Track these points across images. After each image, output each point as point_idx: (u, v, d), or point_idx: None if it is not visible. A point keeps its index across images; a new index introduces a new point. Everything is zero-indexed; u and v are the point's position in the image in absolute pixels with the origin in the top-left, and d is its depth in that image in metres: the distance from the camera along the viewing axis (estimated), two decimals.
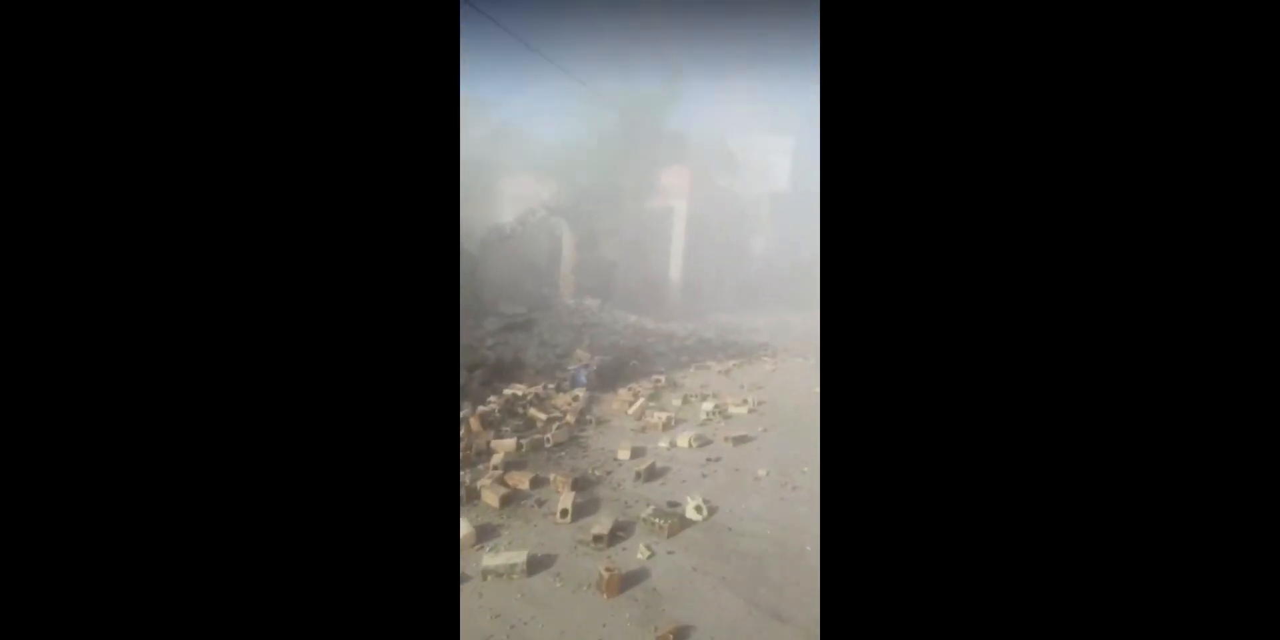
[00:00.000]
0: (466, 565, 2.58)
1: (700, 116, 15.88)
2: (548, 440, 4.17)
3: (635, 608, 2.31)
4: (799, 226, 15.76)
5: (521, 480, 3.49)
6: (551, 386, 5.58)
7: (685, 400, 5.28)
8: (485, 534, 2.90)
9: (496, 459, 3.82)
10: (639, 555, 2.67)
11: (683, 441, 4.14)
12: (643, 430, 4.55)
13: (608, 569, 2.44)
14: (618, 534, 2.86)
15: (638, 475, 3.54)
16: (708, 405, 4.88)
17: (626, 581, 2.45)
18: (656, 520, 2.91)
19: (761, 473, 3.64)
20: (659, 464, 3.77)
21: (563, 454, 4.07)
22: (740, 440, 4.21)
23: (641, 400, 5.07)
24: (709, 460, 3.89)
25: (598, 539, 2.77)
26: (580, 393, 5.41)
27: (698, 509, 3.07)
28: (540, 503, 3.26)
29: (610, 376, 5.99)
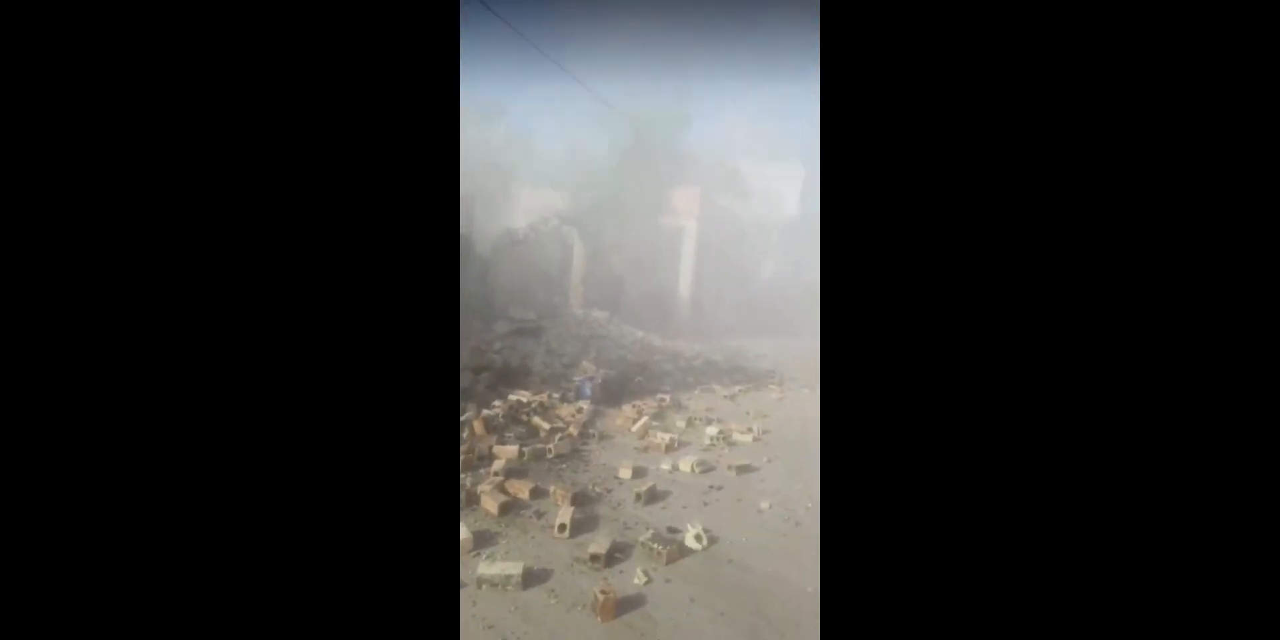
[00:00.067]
0: (462, 571, 2.53)
1: (712, 138, 16.19)
2: (550, 450, 4.14)
3: (631, 635, 2.26)
4: (808, 252, 15.85)
5: (522, 489, 3.44)
6: (556, 396, 5.55)
7: (690, 423, 5.23)
8: (482, 541, 2.85)
9: (498, 465, 3.78)
10: (635, 580, 2.62)
11: (685, 466, 4.09)
12: (645, 450, 4.51)
13: (604, 591, 2.39)
14: (615, 555, 2.81)
15: (638, 497, 3.50)
16: (712, 430, 4.84)
17: (622, 606, 2.40)
18: (655, 546, 2.86)
19: (765, 505, 3.59)
20: (660, 487, 3.72)
21: (564, 466, 4.03)
22: (744, 469, 4.16)
23: (645, 419, 5.03)
24: (711, 487, 3.83)
25: (595, 558, 2.72)
26: (584, 405, 5.38)
27: (698, 538, 3.02)
28: (539, 514, 3.21)
29: (615, 391, 5.96)
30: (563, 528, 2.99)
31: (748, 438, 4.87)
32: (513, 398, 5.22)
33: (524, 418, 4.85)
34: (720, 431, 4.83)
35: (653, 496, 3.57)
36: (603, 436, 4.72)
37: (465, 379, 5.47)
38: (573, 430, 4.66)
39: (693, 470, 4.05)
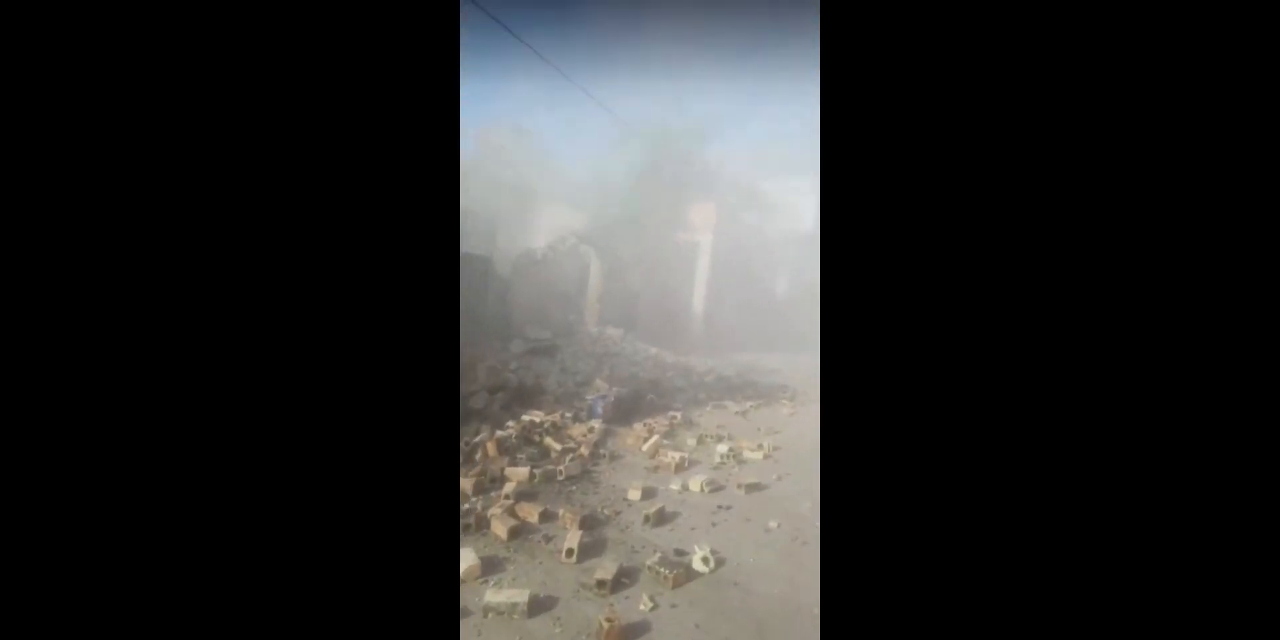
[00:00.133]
0: (469, 599, 2.59)
1: (730, 153, 16.28)
2: (561, 472, 4.19)
3: None
4: None
5: (531, 513, 3.50)
6: (569, 415, 5.62)
7: (700, 440, 5.23)
8: (490, 567, 2.91)
9: (509, 488, 3.85)
10: (641, 606, 2.63)
11: (694, 485, 4.09)
12: (655, 469, 4.52)
13: (608, 619, 2.41)
14: (622, 580, 2.83)
15: (646, 519, 3.51)
16: (722, 448, 4.82)
17: (626, 634, 2.41)
18: (662, 569, 2.87)
19: (773, 525, 3.56)
20: (669, 508, 3.73)
21: (574, 488, 4.07)
22: (753, 488, 4.14)
23: (656, 437, 5.05)
24: (720, 507, 3.82)
25: (601, 584, 2.75)
26: (596, 424, 5.43)
27: (705, 560, 3.01)
28: (548, 538, 3.26)
29: (627, 409, 6.00)
30: (570, 553, 3.03)
31: (758, 455, 4.84)
32: (526, 418, 5.30)
33: (536, 438, 4.92)
34: (731, 449, 4.81)
35: (661, 518, 3.59)
36: (613, 456, 4.76)
37: (480, 400, 5.58)
38: (584, 450, 4.71)
39: (702, 490, 4.05)
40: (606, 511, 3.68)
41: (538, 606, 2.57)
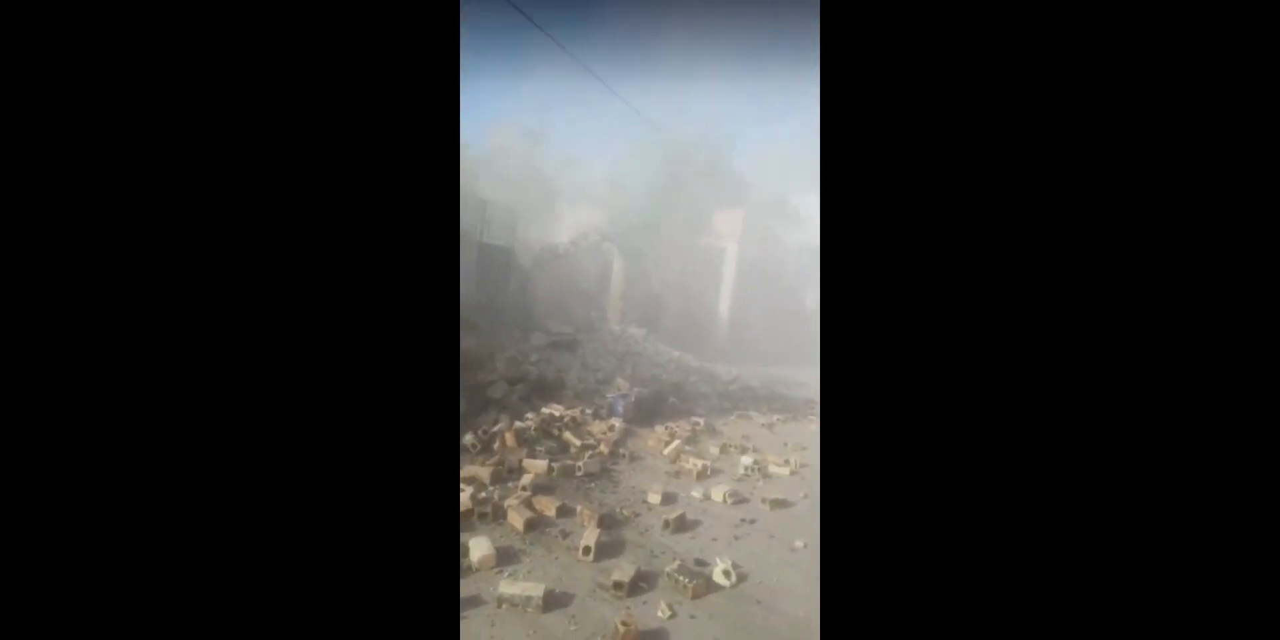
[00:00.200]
0: (484, 588, 2.49)
1: (763, 160, 16.09)
2: (579, 468, 4.09)
3: None
4: None
5: (548, 506, 3.40)
6: (589, 412, 5.52)
7: (723, 450, 5.07)
8: (506, 558, 2.81)
9: (526, 480, 3.76)
10: (659, 613, 2.50)
11: (717, 495, 3.94)
12: (676, 475, 4.39)
13: (625, 623, 2.28)
14: (639, 585, 2.70)
15: (666, 524, 3.38)
16: (747, 459, 4.66)
17: None
18: (681, 578, 2.73)
19: (799, 544, 3.39)
20: (690, 515, 3.59)
21: (592, 485, 3.96)
22: (779, 504, 3.96)
23: (678, 443, 4.91)
24: (743, 520, 3.66)
25: (618, 586, 2.62)
26: (616, 423, 5.32)
27: (726, 573, 2.86)
28: (565, 534, 3.15)
29: (648, 411, 5.88)
30: (587, 550, 2.92)
31: (784, 470, 4.66)
32: (545, 411, 5.23)
33: (555, 432, 4.84)
34: (756, 462, 4.65)
35: (682, 525, 3.44)
36: (633, 457, 4.64)
37: (499, 389, 5.53)
38: (603, 448, 4.60)
39: (725, 500, 3.89)
40: (625, 512, 3.56)
41: (553, 602, 2.46)
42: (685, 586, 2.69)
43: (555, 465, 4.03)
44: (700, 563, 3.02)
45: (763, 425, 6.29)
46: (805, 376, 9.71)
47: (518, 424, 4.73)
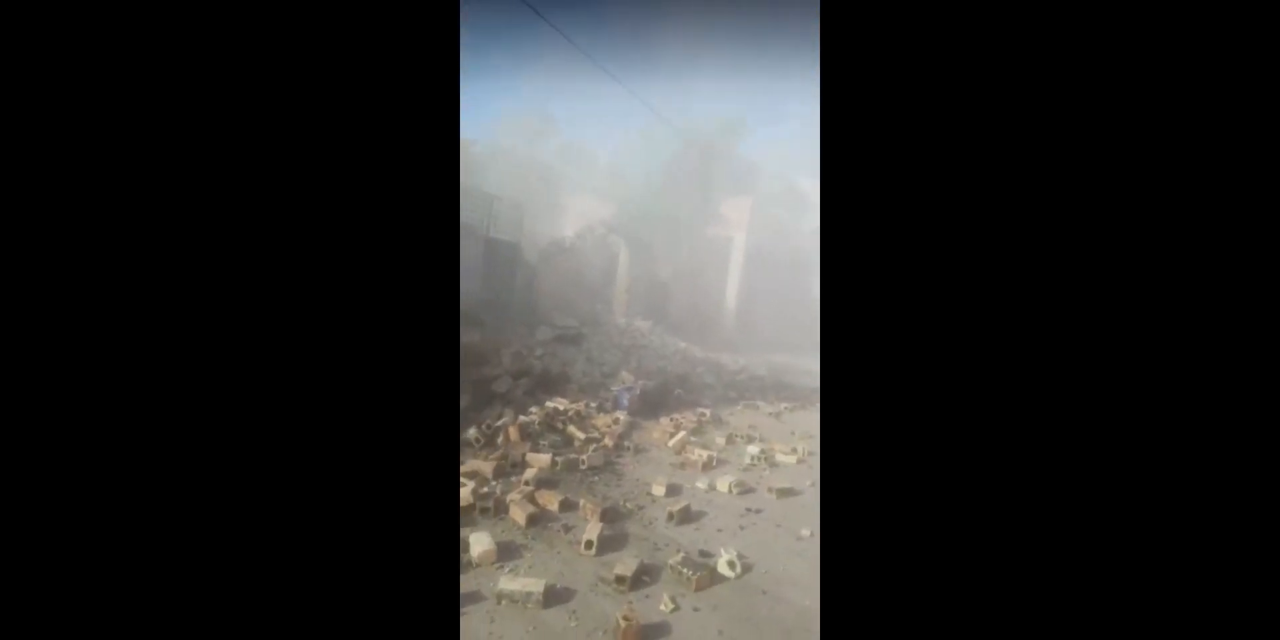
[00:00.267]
0: (484, 584, 2.47)
1: (772, 150, 15.81)
2: (583, 462, 4.06)
3: None
4: None
5: (551, 500, 3.37)
6: (594, 405, 5.49)
7: (730, 439, 5.02)
8: (507, 553, 2.79)
9: (529, 474, 3.74)
10: (662, 606, 2.46)
11: (722, 485, 3.89)
12: (681, 466, 4.34)
13: (626, 617, 2.25)
14: (642, 578, 2.67)
15: (670, 516, 3.34)
16: (753, 449, 4.60)
17: (645, 635, 2.25)
18: (685, 570, 2.70)
19: (806, 533, 3.33)
20: (695, 507, 3.55)
21: (596, 479, 3.94)
22: (785, 493, 3.91)
23: (683, 434, 4.86)
24: (749, 510, 3.61)
25: (620, 580, 2.59)
26: (621, 416, 5.29)
27: (731, 564, 2.82)
28: (567, 528, 3.12)
29: (653, 403, 5.84)
30: (589, 545, 2.89)
31: (791, 459, 4.59)
32: (550, 405, 5.21)
33: (559, 426, 4.81)
34: (762, 451, 4.59)
35: (686, 516, 3.41)
36: (638, 449, 4.60)
37: (504, 384, 5.52)
38: (608, 441, 4.57)
39: (730, 490, 3.84)
40: (629, 505, 3.53)
41: (553, 597, 2.44)
42: (689, 579, 2.65)
43: (559, 459, 4.00)
44: (705, 554, 2.98)
45: (770, 414, 6.22)
46: (813, 364, 9.60)
47: (522, 418, 4.71)
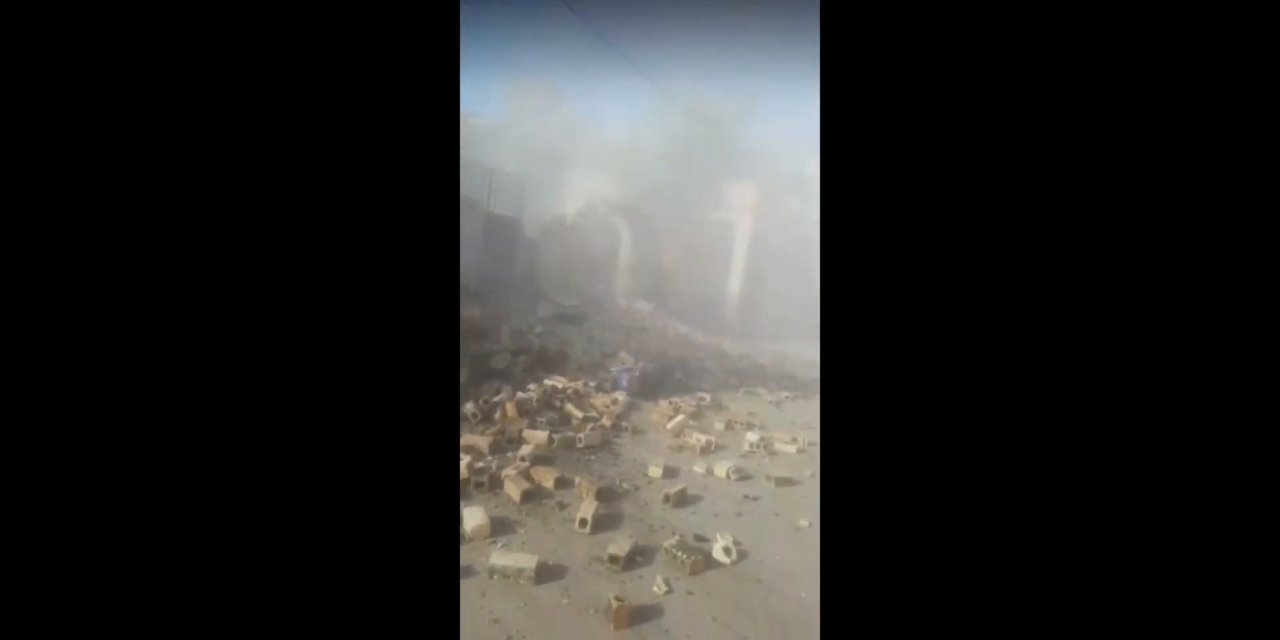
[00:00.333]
0: (476, 559, 2.43)
1: (781, 135, 15.45)
2: (580, 440, 4.01)
3: None
4: None
5: (547, 477, 3.32)
6: (592, 385, 5.43)
7: (729, 426, 4.97)
8: (500, 528, 2.74)
9: (525, 450, 3.68)
10: (655, 588, 2.42)
11: (720, 471, 3.85)
12: (679, 449, 4.30)
13: (618, 598, 2.21)
14: (636, 559, 2.63)
15: (666, 498, 3.30)
16: (753, 436, 4.55)
17: (636, 616, 2.21)
18: (679, 554, 2.65)
19: (804, 523, 3.29)
20: (691, 490, 3.50)
21: (593, 458, 3.89)
22: (784, 482, 3.86)
23: (681, 417, 4.81)
24: (746, 497, 3.57)
25: (614, 560, 2.55)
26: (620, 396, 5.23)
27: (726, 550, 2.78)
28: (562, 506, 3.08)
29: (652, 385, 5.78)
30: (584, 523, 2.84)
31: (791, 448, 4.55)
32: (548, 382, 5.14)
33: (557, 404, 4.75)
34: (762, 439, 4.54)
35: (683, 500, 3.36)
36: (636, 431, 4.55)
37: (502, 360, 5.44)
38: (606, 421, 4.52)
39: (728, 476, 3.80)
40: (625, 485, 3.48)
41: (546, 574, 2.39)
42: (684, 562, 2.61)
43: (556, 437, 3.95)
44: (700, 538, 2.94)
45: (771, 402, 6.17)
46: (815, 355, 9.54)
47: (520, 395, 4.64)
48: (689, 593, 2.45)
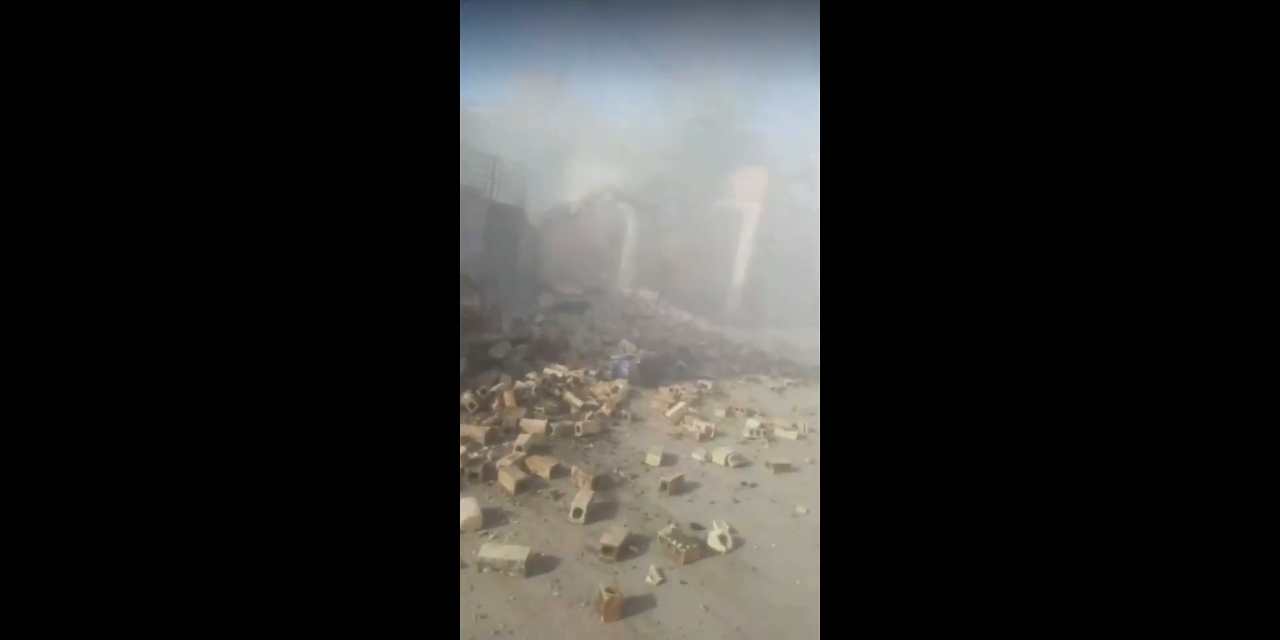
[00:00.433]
0: (465, 551, 2.40)
1: (790, 122, 15.11)
2: (578, 429, 3.97)
3: None
4: None
5: (542, 467, 3.30)
6: (593, 373, 5.39)
7: (729, 412, 4.92)
8: (492, 519, 2.72)
9: (522, 440, 3.66)
10: (648, 578, 2.39)
11: (718, 457, 3.80)
12: (678, 436, 4.26)
13: (609, 589, 2.18)
14: (630, 549, 2.60)
15: (664, 486, 3.26)
16: (753, 423, 4.50)
17: (628, 607, 2.18)
18: (675, 543, 2.62)
19: (801, 510, 3.25)
20: (689, 478, 3.46)
21: (590, 446, 3.86)
22: (783, 468, 3.81)
23: (682, 404, 4.76)
24: (744, 484, 3.53)
25: (607, 550, 2.52)
26: (620, 384, 5.18)
27: (722, 538, 2.74)
28: (557, 495, 3.05)
29: (653, 373, 5.72)
30: (578, 513, 2.81)
31: (791, 435, 4.49)
32: (548, 371, 5.10)
33: (556, 393, 4.72)
34: (762, 425, 4.48)
35: (680, 487, 3.33)
36: (635, 419, 4.51)
37: (502, 349, 5.41)
38: (605, 409, 4.48)
39: (726, 463, 3.76)
40: (622, 474, 3.45)
41: (537, 566, 2.37)
42: (678, 551, 2.58)
43: (554, 426, 3.92)
44: (696, 527, 2.90)
45: (772, 389, 6.10)
46: (818, 342, 9.44)
47: (518, 384, 4.61)
48: (683, 582, 2.42)
